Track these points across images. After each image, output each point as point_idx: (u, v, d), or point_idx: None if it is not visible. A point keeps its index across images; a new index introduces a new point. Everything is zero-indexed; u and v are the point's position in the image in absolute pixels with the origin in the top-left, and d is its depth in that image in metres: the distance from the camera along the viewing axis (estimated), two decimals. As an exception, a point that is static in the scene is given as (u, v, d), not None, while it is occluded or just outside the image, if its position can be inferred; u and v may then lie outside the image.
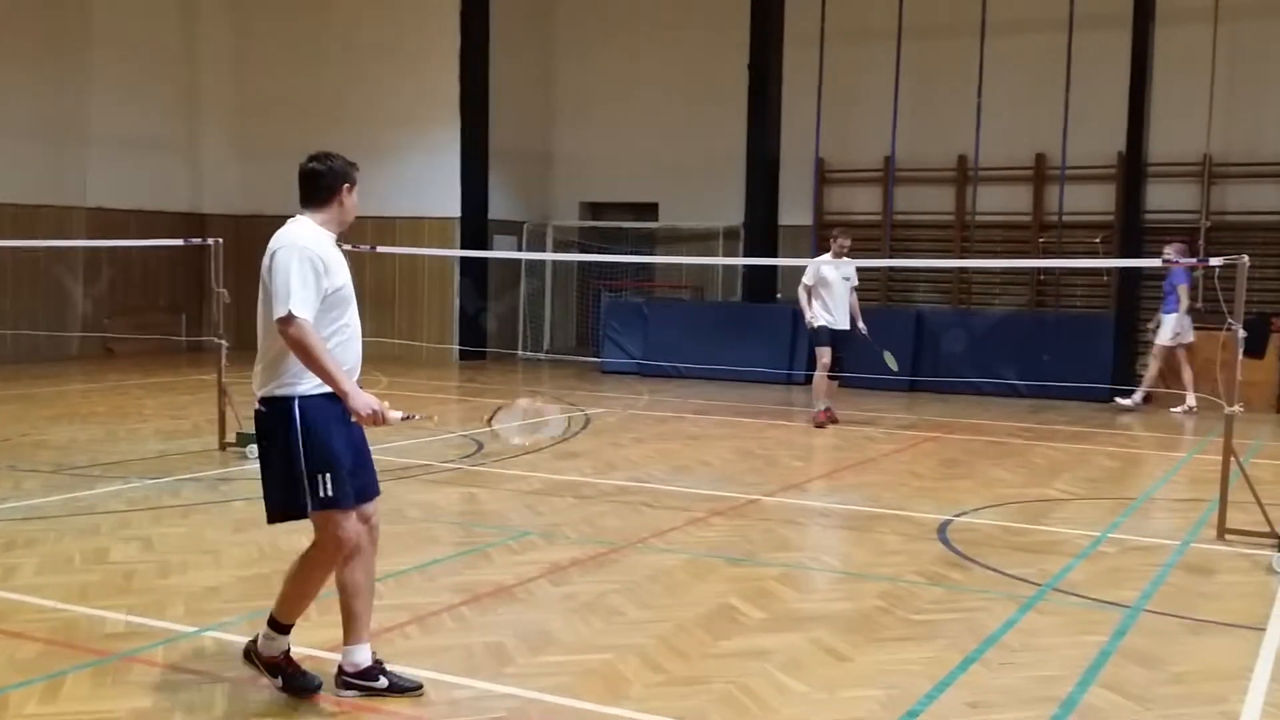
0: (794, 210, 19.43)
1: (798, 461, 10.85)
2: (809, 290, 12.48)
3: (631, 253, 20.05)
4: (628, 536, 7.51)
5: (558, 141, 21.66)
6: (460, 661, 5.12)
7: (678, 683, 4.90)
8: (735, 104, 19.16)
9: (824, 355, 12.46)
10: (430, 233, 19.64)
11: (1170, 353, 14.50)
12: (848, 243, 12.57)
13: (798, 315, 14.37)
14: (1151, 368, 14.73)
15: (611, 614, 5.84)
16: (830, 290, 12.38)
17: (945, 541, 7.53)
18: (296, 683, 4.65)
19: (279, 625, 4.69)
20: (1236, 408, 7.64)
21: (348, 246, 4.80)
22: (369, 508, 4.71)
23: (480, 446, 10.87)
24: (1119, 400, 14.78)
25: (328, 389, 4.45)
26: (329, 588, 4.73)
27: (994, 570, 6.83)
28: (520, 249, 20.51)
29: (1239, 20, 16.65)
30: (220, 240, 10.71)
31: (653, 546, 7.29)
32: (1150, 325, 14.86)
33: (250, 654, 4.77)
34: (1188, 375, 14.42)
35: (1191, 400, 14.29)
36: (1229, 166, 16.90)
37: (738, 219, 19.50)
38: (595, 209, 21.62)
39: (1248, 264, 7.75)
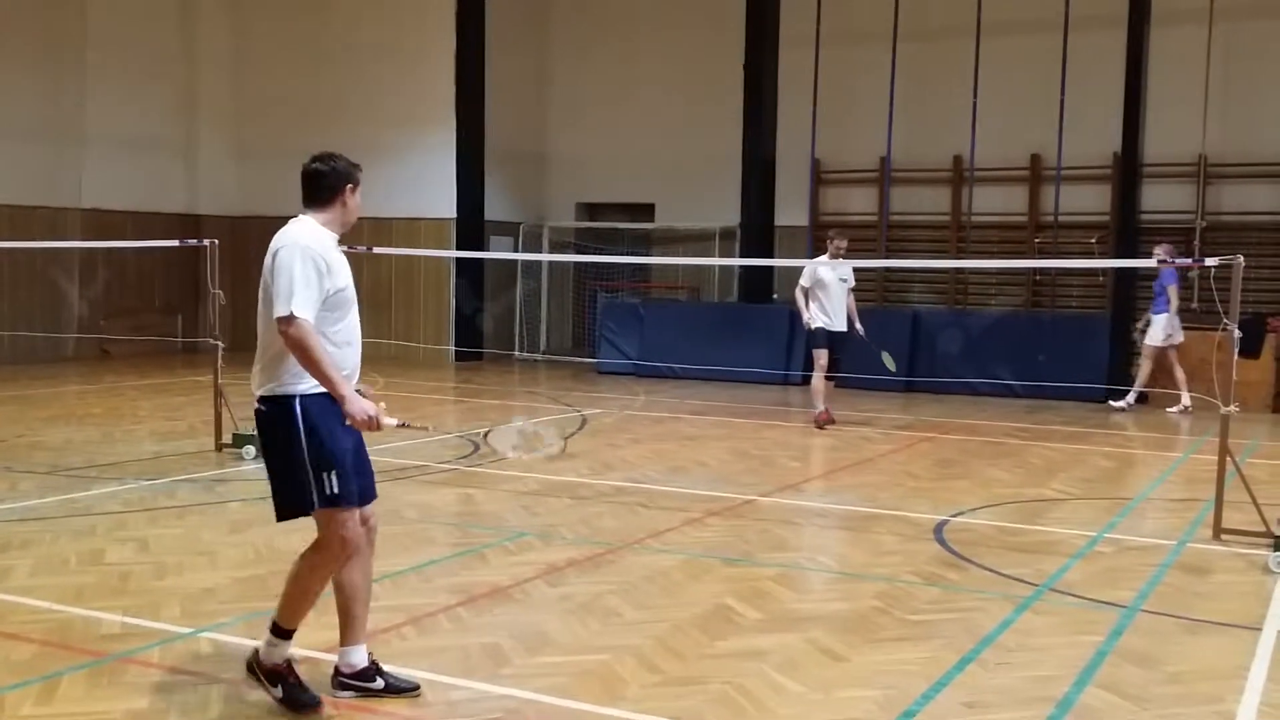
0: (790, 211, 19.44)
1: (794, 462, 10.85)
2: (806, 292, 12.50)
3: (628, 253, 20.07)
4: (624, 537, 7.51)
5: (554, 142, 21.65)
6: (457, 662, 5.12)
7: (674, 683, 4.90)
8: (731, 105, 19.17)
9: (821, 358, 12.47)
10: (426, 233, 19.63)
11: (1161, 353, 14.52)
12: (844, 244, 12.59)
13: (794, 316, 14.37)
14: (1143, 369, 14.75)
15: (608, 615, 5.84)
16: (827, 292, 12.39)
17: (942, 542, 7.54)
18: (297, 697, 4.54)
19: (281, 631, 4.61)
20: (1232, 408, 7.65)
21: (344, 248, 4.79)
22: (367, 509, 4.71)
23: (476, 448, 10.86)
24: (1112, 403, 14.79)
25: None
26: (326, 588, 4.72)
27: (990, 570, 6.84)
28: (516, 250, 20.50)
29: (1234, 20, 16.67)
30: (216, 241, 10.70)
31: (649, 547, 7.29)
32: (1138, 325, 14.86)
33: (253, 665, 4.65)
34: (1180, 375, 14.44)
35: (1186, 400, 14.31)
36: (1224, 167, 16.91)
37: (734, 220, 19.51)
38: (591, 210, 21.62)
39: (1243, 264, 7.77)
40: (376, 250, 13.33)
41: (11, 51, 18.18)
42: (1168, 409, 14.44)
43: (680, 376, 17.34)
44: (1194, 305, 15.33)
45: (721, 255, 19.75)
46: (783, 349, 17.14)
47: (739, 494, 9.00)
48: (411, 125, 19.63)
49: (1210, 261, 8.21)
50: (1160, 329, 14.38)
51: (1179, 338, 14.45)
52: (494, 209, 20.20)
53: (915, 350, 16.41)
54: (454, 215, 19.54)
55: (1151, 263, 13.23)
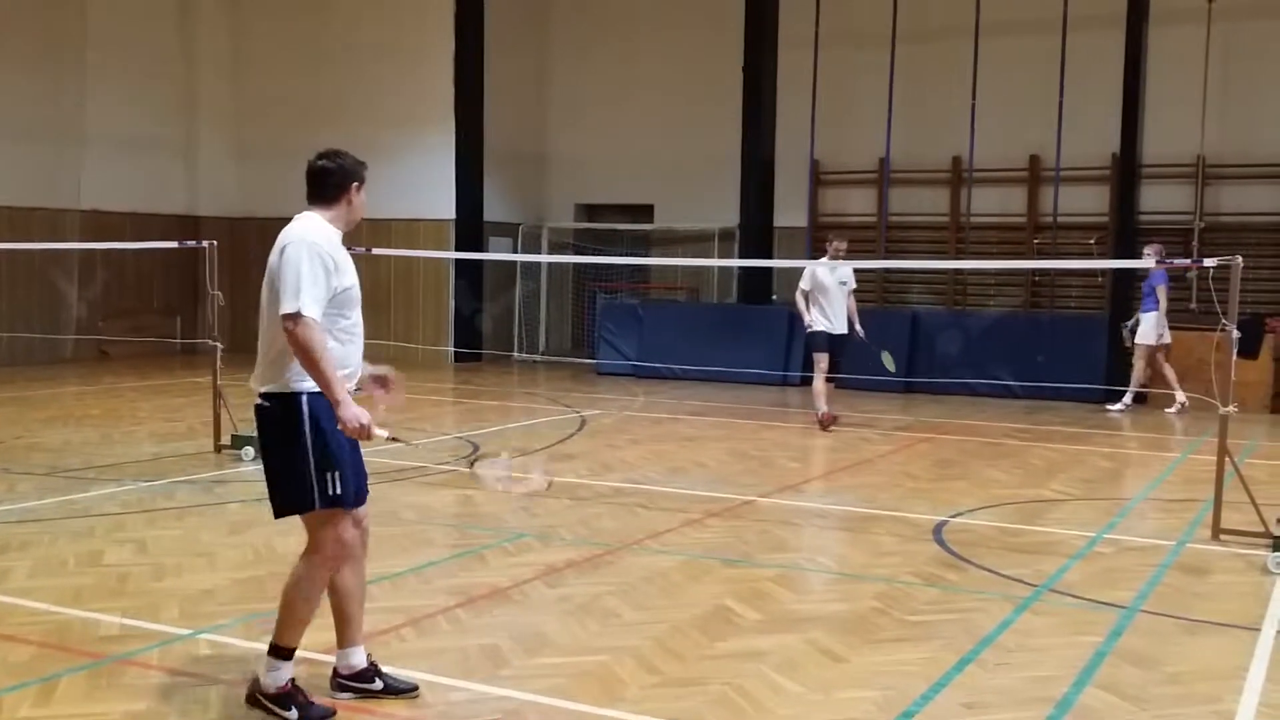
0: (789, 212, 19.44)
1: (793, 463, 10.84)
2: (806, 296, 12.50)
3: (627, 254, 20.06)
4: (623, 538, 7.51)
5: (553, 143, 21.65)
6: (455, 663, 5.12)
7: (673, 684, 4.90)
8: (730, 106, 19.17)
9: (821, 361, 12.46)
10: (426, 235, 19.63)
11: (1152, 353, 14.53)
12: (844, 245, 12.57)
13: (793, 317, 14.38)
14: (1137, 369, 14.73)
15: (607, 616, 5.84)
16: (827, 295, 12.38)
17: (941, 542, 7.54)
18: (312, 714, 4.45)
19: (281, 651, 4.51)
20: (1231, 408, 7.65)
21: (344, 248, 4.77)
22: (361, 511, 4.70)
23: (475, 448, 10.86)
24: (1108, 408, 14.77)
25: None
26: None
27: (989, 571, 6.84)
28: (515, 251, 20.49)
29: (1233, 21, 16.67)
30: (215, 242, 10.69)
31: (648, 548, 7.29)
32: (1127, 325, 14.84)
33: (255, 697, 4.51)
34: (1170, 374, 14.46)
35: (1181, 397, 14.31)
36: (1223, 167, 16.92)
37: (733, 220, 19.51)
38: (590, 211, 21.61)
39: (1241, 265, 7.77)
40: (375, 251, 13.33)
41: (11, 51, 18.17)
42: (1165, 409, 14.44)
43: (679, 377, 17.34)
44: (1193, 306, 15.32)
45: (720, 256, 19.75)
46: (781, 350, 17.14)
47: (738, 495, 9.00)
48: (411, 126, 19.63)
49: (1209, 262, 8.21)
50: (1152, 328, 14.38)
51: (1167, 338, 14.46)
52: (493, 210, 20.20)
53: (914, 351, 16.41)
54: (453, 216, 19.55)
55: (1150, 263, 13.22)
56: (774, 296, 18.78)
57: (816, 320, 12.41)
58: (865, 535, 7.96)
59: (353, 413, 4.33)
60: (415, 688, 4.74)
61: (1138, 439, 12.91)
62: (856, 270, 12.93)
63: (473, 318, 19.73)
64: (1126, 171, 17.27)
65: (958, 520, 8.20)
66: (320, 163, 4.65)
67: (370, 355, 4.81)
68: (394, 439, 4.58)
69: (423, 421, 12.52)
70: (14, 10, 18.20)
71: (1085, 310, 17.68)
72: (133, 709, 4.54)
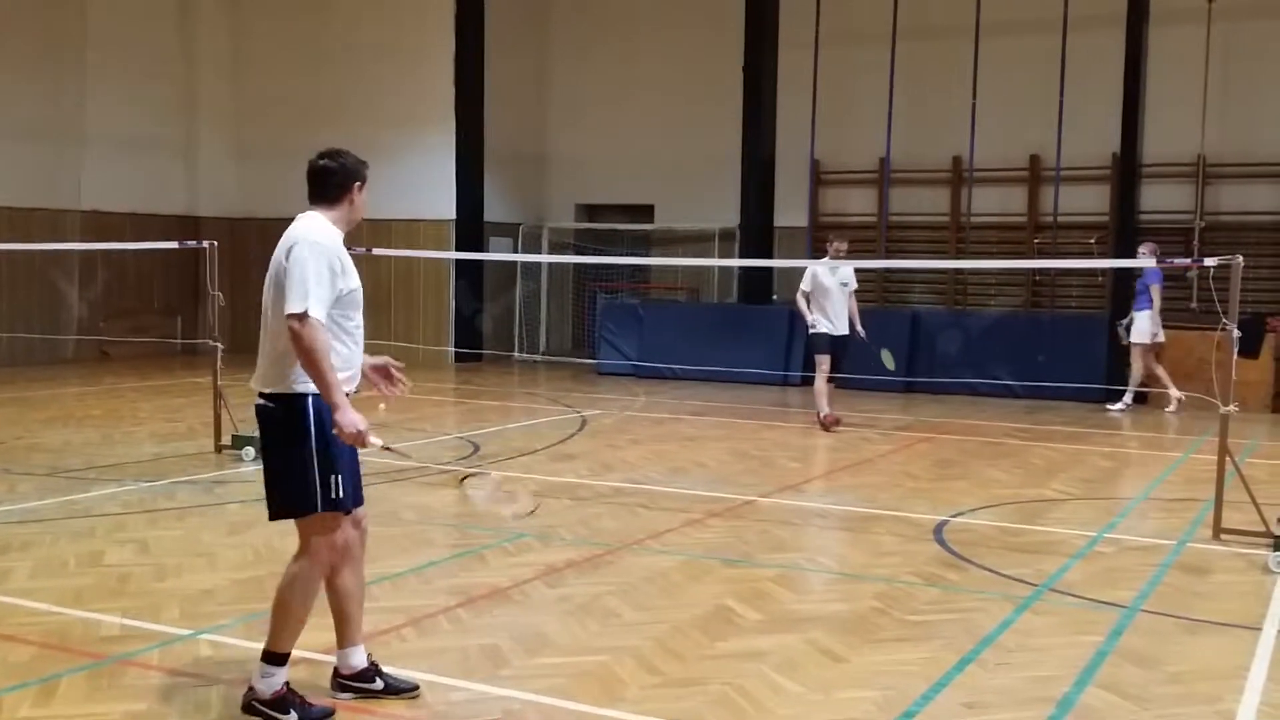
0: (789, 212, 19.44)
1: (794, 463, 10.84)
2: (807, 297, 12.49)
3: (627, 254, 20.05)
4: (624, 538, 7.51)
5: (553, 143, 21.65)
6: (456, 663, 5.12)
7: (674, 684, 4.90)
8: (730, 106, 19.17)
9: (823, 362, 12.45)
10: (426, 235, 19.62)
11: (1146, 351, 14.53)
12: (844, 246, 12.55)
13: (794, 316, 14.37)
14: (1134, 368, 14.74)
15: (607, 616, 5.83)
16: (828, 297, 12.36)
17: (941, 542, 7.53)
18: (312, 715, 4.46)
19: (275, 657, 4.49)
20: (1231, 408, 7.65)
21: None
22: (360, 511, 4.70)
23: (476, 449, 10.86)
24: (1108, 408, 14.76)
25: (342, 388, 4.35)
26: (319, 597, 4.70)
27: (990, 571, 6.84)
28: (516, 251, 20.50)
29: (1233, 20, 16.67)
30: (215, 243, 10.69)
31: (649, 548, 7.29)
32: (1122, 323, 14.83)
33: (252, 706, 4.47)
34: (1163, 373, 14.47)
35: (1175, 393, 14.31)
36: (1223, 167, 16.91)
37: (733, 220, 19.51)
38: (591, 211, 21.62)
39: (1242, 264, 7.77)
40: (376, 251, 13.32)
41: (11, 51, 18.17)
42: (1165, 409, 14.44)
43: (680, 377, 17.34)
44: (1193, 305, 15.31)
45: (721, 256, 19.75)
46: (782, 350, 17.14)
47: (739, 495, 9.00)
48: (411, 126, 19.63)
49: (1209, 261, 8.20)
50: (1146, 325, 14.37)
51: (1161, 337, 14.46)
52: (493, 210, 20.19)
53: (915, 350, 16.41)
54: (453, 216, 19.54)
55: (1149, 262, 13.22)
56: (774, 296, 18.78)
57: (818, 321, 12.41)
58: (866, 535, 7.96)
59: (350, 418, 4.31)
60: (416, 687, 4.74)
61: (1138, 438, 12.91)
62: (857, 270, 12.92)
63: (473, 318, 19.73)
64: (1127, 171, 17.26)
65: (958, 520, 8.20)
66: (322, 162, 4.64)
67: (371, 355, 4.81)
68: (388, 449, 4.56)
69: (423, 422, 12.52)
70: (14, 10, 18.20)
71: (1085, 310, 17.68)
72: (133, 709, 4.54)
